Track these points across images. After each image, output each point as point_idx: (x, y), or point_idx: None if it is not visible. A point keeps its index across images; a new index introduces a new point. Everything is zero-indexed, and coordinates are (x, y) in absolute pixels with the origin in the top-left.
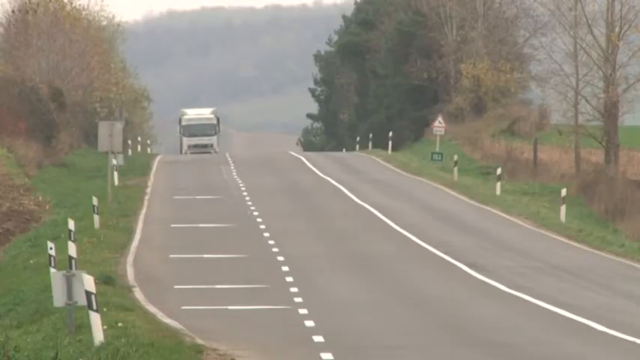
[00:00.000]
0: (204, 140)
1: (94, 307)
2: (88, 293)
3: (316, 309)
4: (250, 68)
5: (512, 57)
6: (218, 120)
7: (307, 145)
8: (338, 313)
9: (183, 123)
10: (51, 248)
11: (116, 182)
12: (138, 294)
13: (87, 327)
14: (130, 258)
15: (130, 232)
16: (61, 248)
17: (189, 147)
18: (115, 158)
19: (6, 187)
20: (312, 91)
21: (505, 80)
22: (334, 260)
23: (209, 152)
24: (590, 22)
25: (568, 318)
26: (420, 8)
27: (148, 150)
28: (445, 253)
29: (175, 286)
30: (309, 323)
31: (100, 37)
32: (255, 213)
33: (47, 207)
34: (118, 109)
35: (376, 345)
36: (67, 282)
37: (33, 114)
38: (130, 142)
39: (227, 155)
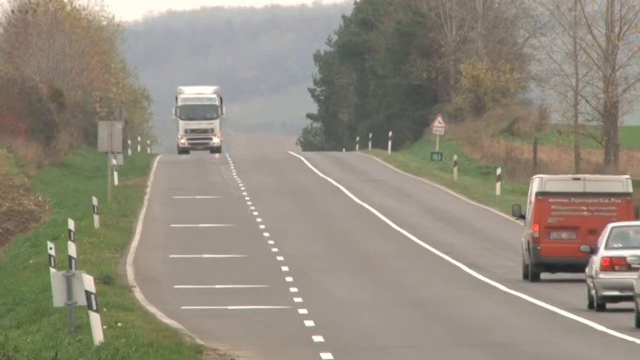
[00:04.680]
0: (204, 124)
1: (94, 307)
2: (87, 293)
3: (316, 309)
4: (250, 68)
5: (512, 57)
6: (221, 100)
7: (307, 145)
8: (338, 313)
9: (180, 103)
10: (51, 248)
11: (116, 182)
12: (137, 294)
13: (87, 327)
14: (130, 258)
15: (129, 232)
16: (61, 248)
17: (186, 131)
18: (114, 158)
19: (6, 187)
20: (312, 91)
21: (505, 80)
22: (334, 260)
23: (210, 139)
24: (589, 22)
25: (567, 318)
26: (420, 8)
27: (148, 150)
28: (445, 253)
29: (175, 286)
30: (309, 323)
31: (100, 37)
32: (255, 213)
33: (47, 207)
34: (117, 109)
35: (376, 345)
36: (67, 282)
37: (33, 114)
38: (129, 142)
39: (227, 155)
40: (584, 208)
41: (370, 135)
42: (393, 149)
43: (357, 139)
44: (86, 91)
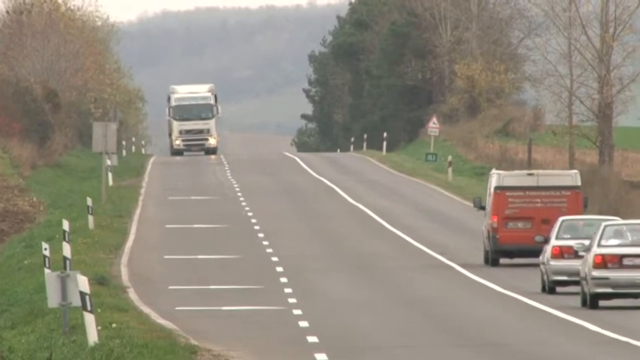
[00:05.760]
0: (200, 125)
1: (89, 307)
2: (82, 294)
3: (310, 309)
4: (245, 69)
5: (507, 57)
6: (216, 98)
7: (302, 146)
8: (332, 314)
9: (173, 103)
10: (45, 249)
11: (110, 183)
12: (132, 295)
13: (81, 328)
14: (125, 259)
15: (124, 233)
16: (56, 249)
17: (180, 133)
18: (109, 159)
19: (0, 187)
20: (307, 92)
21: (499, 81)
22: (328, 261)
23: (205, 139)
24: (584, 22)
25: (562, 318)
26: (415, 9)
27: (143, 151)
28: (439, 253)
29: (169, 287)
30: (304, 324)
31: (95, 38)
32: (250, 214)
33: (41, 207)
34: (112, 109)
35: (371, 345)
36: (62, 282)
37: (27, 114)
38: (124, 142)
39: (221, 156)
40: (538, 200)
41: (365, 136)
42: (387, 150)
43: (352, 139)
44: (81, 92)
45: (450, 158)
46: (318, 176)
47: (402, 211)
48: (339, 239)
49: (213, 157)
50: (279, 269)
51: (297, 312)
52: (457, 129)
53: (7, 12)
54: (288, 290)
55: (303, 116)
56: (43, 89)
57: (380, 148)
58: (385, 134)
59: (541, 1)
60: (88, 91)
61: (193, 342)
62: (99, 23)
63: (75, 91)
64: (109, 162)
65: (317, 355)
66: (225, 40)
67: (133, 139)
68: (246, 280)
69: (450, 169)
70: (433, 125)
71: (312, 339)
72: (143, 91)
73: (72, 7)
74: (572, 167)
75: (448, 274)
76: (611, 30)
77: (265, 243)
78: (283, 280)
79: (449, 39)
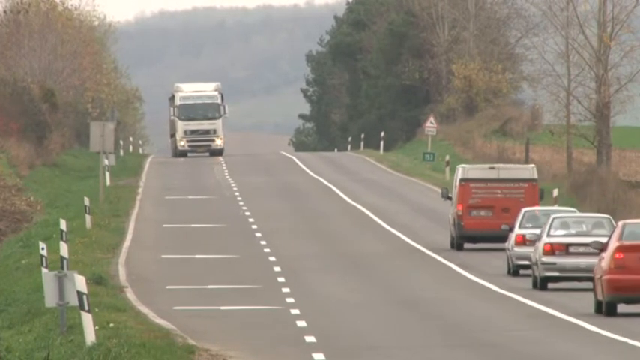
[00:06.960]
0: (206, 125)
1: (86, 307)
2: (79, 293)
3: (308, 309)
4: (242, 69)
5: (504, 57)
6: (222, 97)
7: (299, 146)
8: (330, 314)
9: (178, 102)
10: (43, 248)
11: (108, 182)
12: (130, 294)
13: (79, 327)
14: (122, 258)
15: (121, 233)
16: (53, 248)
17: (185, 133)
18: (106, 158)
19: None
20: (304, 92)
21: (497, 80)
22: (326, 260)
23: (212, 140)
24: (581, 22)
25: (559, 318)
26: (412, 8)
27: (140, 150)
28: (436, 253)
29: (167, 287)
30: (301, 323)
31: (92, 38)
32: (247, 213)
33: (39, 207)
34: (109, 109)
35: (368, 345)
36: (59, 282)
37: (25, 114)
38: (121, 142)
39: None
40: (499, 191)
41: (362, 135)
42: (385, 150)
43: (350, 139)
44: (78, 92)
45: (447, 158)
46: (315, 176)
47: (399, 210)
48: (336, 239)
49: (220, 158)
50: (277, 269)
51: (294, 311)
52: (455, 129)
53: (5, 12)
54: (285, 290)
55: (301, 116)
56: (40, 89)
57: (377, 148)
58: (383, 134)
59: (539, 0)
60: (85, 90)
61: (191, 341)
62: (96, 23)
63: (72, 91)
64: (106, 162)
65: (314, 355)
66: (223, 40)
67: (131, 139)
68: (244, 280)
69: (447, 169)
70: (430, 125)
71: (310, 338)
72: (140, 90)
73: (69, 7)
74: (569, 167)
75: (446, 274)
76: (609, 29)
77: (263, 242)
78: (281, 279)
79: (446, 38)
